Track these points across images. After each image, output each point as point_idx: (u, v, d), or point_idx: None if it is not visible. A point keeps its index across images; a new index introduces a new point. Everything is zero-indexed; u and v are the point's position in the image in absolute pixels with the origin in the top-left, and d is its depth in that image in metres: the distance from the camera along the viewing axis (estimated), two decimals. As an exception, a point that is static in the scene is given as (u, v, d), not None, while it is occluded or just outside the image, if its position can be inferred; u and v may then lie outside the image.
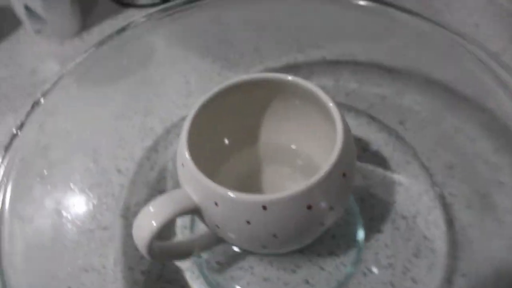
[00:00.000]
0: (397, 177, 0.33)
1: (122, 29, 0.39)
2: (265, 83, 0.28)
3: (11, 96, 0.43)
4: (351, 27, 0.40)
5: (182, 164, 0.24)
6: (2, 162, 0.30)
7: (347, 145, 0.24)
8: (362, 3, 0.39)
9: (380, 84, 0.39)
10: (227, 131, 0.30)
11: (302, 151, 0.30)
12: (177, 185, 0.26)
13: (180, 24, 0.41)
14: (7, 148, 0.30)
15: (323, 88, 0.27)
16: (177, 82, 0.40)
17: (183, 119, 0.35)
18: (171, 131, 0.36)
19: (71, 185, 0.33)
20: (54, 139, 0.34)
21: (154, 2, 0.51)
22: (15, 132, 0.31)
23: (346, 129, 0.24)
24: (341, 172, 0.23)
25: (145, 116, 0.37)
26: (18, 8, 0.46)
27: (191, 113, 0.26)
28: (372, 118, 0.36)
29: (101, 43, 0.37)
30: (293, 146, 0.31)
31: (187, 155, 0.24)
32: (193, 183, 0.24)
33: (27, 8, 0.45)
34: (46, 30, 0.47)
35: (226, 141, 0.31)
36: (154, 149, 0.35)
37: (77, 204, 0.32)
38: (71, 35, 0.48)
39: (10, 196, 0.29)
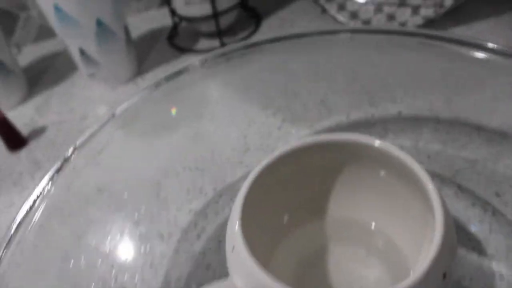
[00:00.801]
0: (496, 266, 0.26)
1: (175, 74, 0.35)
2: (338, 147, 0.23)
3: (57, 141, 0.40)
4: (432, 77, 0.35)
5: (233, 247, 0.19)
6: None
7: (448, 238, 0.18)
8: (444, 45, 0.33)
9: (468, 145, 0.33)
10: (289, 202, 0.25)
11: (381, 231, 0.25)
12: (224, 262, 0.21)
13: (238, 70, 0.37)
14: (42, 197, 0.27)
15: (401, 148, 0.23)
16: (233, 136, 0.35)
17: (238, 180, 0.32)
18: (224, 193, 0.31)
19: (106, 249, 0.29)
20: (91, 194, 0.30)
21: (213, 47, 0.48)
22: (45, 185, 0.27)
23: (447, 218, 0.18)
24: (440, 272, 0.17)
25: (194, 173, 0.33)
26: (73, 51, 0.44)
27: (247, 183, 0.21)
28: (460, 188, 0.30)
29: (151, 88, 0.34)
30: (370, 224, 0.25)
31: (239, 237, 0.19)
32: (245, 276, 0.18)
33: (82, 52, 0.43)
34: (100, 74, 0.45)
35: (287, 215, 0.25)
36: (202, 213, 0.30)
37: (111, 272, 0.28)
38: (125, 80, 0.46)
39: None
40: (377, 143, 0.21)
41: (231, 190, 0.31)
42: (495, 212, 0.29)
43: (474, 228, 0.28)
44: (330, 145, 0.23)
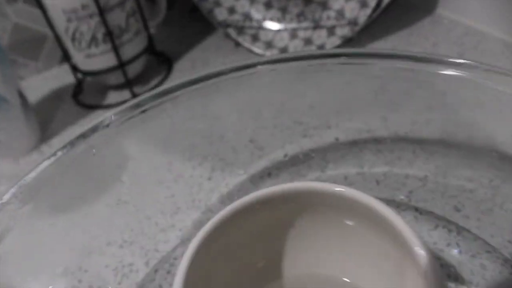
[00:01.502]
0: (478, 292, 0.23)
1: (85, 135, 0.30)
2: (291, 198, 0.19)
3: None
4: (362, 97, 0.33)
5: None
6: None
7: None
8: (367, 61, 0.31)
9: (414, 162, 0.31)
10: (242, 268, 0.21)
11: (355, 286, 0.21)
12: None
13: (155, 122, 0.33)
14: None
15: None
16: (159, 196, 0.30)
17: (173, 249, 0.27)
18: (159, 268, 0.26)
19: None
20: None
21: (125, 100, 0.43)
22: None
23: (432, 262, 0.15)
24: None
25: (122, 248, 0.28)
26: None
27: (187, 255, 0.17)
28: (418, 210, 0.28)
29: (59, 154, 0.29)
30: (341, 278, 0.21)
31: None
32: None
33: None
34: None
35: (244, 281, 0.21)
36: (136, 296, 0.25)
37: None
38: (28, 150, 0.40)
39: None
40: (336, 189, 0.18)
41: (166, 262, 0.26)
42: (459, 231, 0.27)
43: (443, 253, 0.25)
44: (282, 197, 0.19)
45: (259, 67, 0.35)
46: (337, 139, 0.33)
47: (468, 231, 0.26)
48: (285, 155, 0.32)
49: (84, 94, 0.46)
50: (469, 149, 0.30)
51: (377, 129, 0.33)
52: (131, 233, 0.28)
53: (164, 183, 0.31)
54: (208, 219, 0.28)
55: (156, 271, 0.26)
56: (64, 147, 0.28)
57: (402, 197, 0.29)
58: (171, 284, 0.24)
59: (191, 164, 0.33)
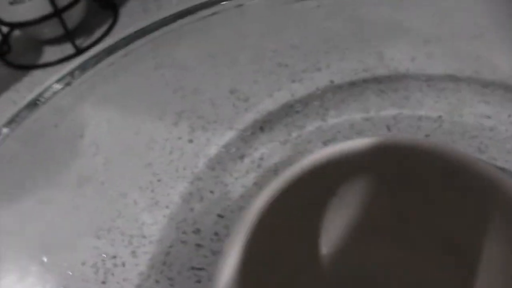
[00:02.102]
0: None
1: (28, 106, 0.24)
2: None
3: None
4: (350, 33, 0.30)
5: None
6: None
7: None
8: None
9: (423, 101, 0.27)
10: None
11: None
12: None
13: (112, 80, 0.28)
14: None
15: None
16: (132, 167, 0.25)
17: (158, 240, 0.22)
18: (152, 258, 0.21)
19: None
20: None
21: (66, 56, 0.36)
22: None
23: None
24: None
25: (97, 238, 0.22)
26: None
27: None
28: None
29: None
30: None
31: None
32: None
33: None
34: None
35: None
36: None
37: None
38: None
39: None
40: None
41: (159, 250, 0.21)
42: None
43: None
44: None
45: (226, 3, 0.30)
46: (332, 81, 0.29)
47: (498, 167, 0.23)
48: (276, 105, 0.28)
49: (13, 53, 0.38)
50: (479, 83, 0.28)
51: (375, 67, 0.29)
52: (105, 217, 0.23)
53: (136, 152, 0.26)
54: (199, 189, 0.24)
55: (149, 263, 0.21)
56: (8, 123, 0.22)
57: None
58: (171, 278, 0.19)
59: (163, 124, 0.27)
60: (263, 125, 0.27)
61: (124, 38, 0.29)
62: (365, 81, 0.28)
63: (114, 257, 0.21)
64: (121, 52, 0.28)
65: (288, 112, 0.28)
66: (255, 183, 0.24)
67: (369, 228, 0.17)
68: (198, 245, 0.21)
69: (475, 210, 0.15)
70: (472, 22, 0.30)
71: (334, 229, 0.17)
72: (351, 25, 0.30)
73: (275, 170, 0.25)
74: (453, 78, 0.28)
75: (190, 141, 0.26)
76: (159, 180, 0.24)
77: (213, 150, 0.26)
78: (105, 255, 0.21)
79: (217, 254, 0.20)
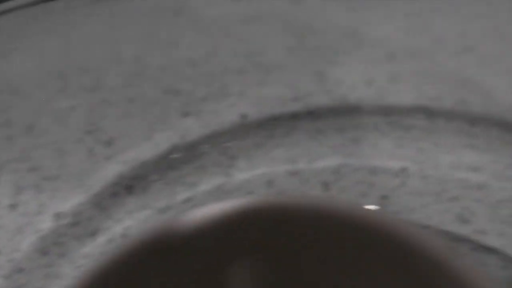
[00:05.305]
0: None
1: None
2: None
3: None
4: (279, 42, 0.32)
5: None
6: None
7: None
8: None
9: (380, 145, 0.30)
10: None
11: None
12: None
13: None
14: None
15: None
16: None
17: None
18: None
19: None
20: None
21: None
22: None
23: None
24: None
25: None
26: None
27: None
28: None
29: None
30: None
31: None
32: None
33: None
34: None
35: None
36: None
37: None
38: None
39: None
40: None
41: None
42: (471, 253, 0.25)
43: None
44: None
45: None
46: (244, 116, 0.30)
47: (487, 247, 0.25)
48: (154, 150, 0.29)
49: None
50: (465, 119, 0.30)
51: (311, 94, 0.31)
52: None
53: None
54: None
55: None
56: None
57: (371, 207, 0.27)
58: None
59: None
60: (132, 183, 0.28)
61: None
62: (294, 115, 0.30)
63: None
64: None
65: (173, 162, 0.28)
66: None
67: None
68: None
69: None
70: (458, 31, 0.32)
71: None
72: (285, 33, 0.32)
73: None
74: (426, 112, 0.30)
75: (12, 207, 0.27)
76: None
77: (48, 222, 0.26)
78: None
79: None
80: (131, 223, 0.26)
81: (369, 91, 0.30)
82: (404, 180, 0.27)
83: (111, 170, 0.28)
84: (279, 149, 0.29)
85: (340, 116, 0.30)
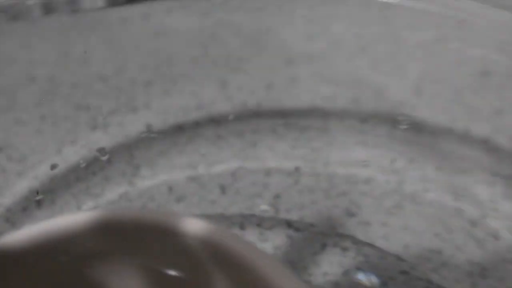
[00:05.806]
0: None
1: None
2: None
3: None
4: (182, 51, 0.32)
5: None
6: None
7: None
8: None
9: (276, 148, 0.30)
10: None
11: None
12: None
13: None
14: None
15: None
16: None
17: None
18: None
19: None
20: None
21: None
22: None
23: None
24: None
25: None
26: None
27: None
28: (290, 225, 0.28)
29: None
30: None
31: None
32: None
33: None
34: None
35: None
36: None
37: None
38: None
39: None
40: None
41: None
42: (359, 247, 0.27)
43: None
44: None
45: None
46: (149, 126, 0.31)
47: (372, 245, 0.26)
48: (63, 164, 0.29)
49: None
50: (357, 117, 0.31)
51: (213, 102, 0.32)
52: None
53: None
54: None
55: None
56: None
57: (264, 207, 0.28)
58: None
59: None
60: (42, 200, 0.28)
61: None
62: (197, 123, 0.31)
63: None
64: None
65: (80, 175, 0.29)
66: None
67: None
68: None
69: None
70: (354, 33, 0.33)
71: None
72: (190, 43, 0.33)
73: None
74: (320, 113, 0.31)
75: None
76: None
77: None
78: None
79: None
80: (40, 235, 0.27)
81: (268, 96, 0.31)
82: (297, 179, 0.29)
83: (21, 186, 0.29)
84: (181, 156, 0.30)
85: (240, 121, 0.31)
